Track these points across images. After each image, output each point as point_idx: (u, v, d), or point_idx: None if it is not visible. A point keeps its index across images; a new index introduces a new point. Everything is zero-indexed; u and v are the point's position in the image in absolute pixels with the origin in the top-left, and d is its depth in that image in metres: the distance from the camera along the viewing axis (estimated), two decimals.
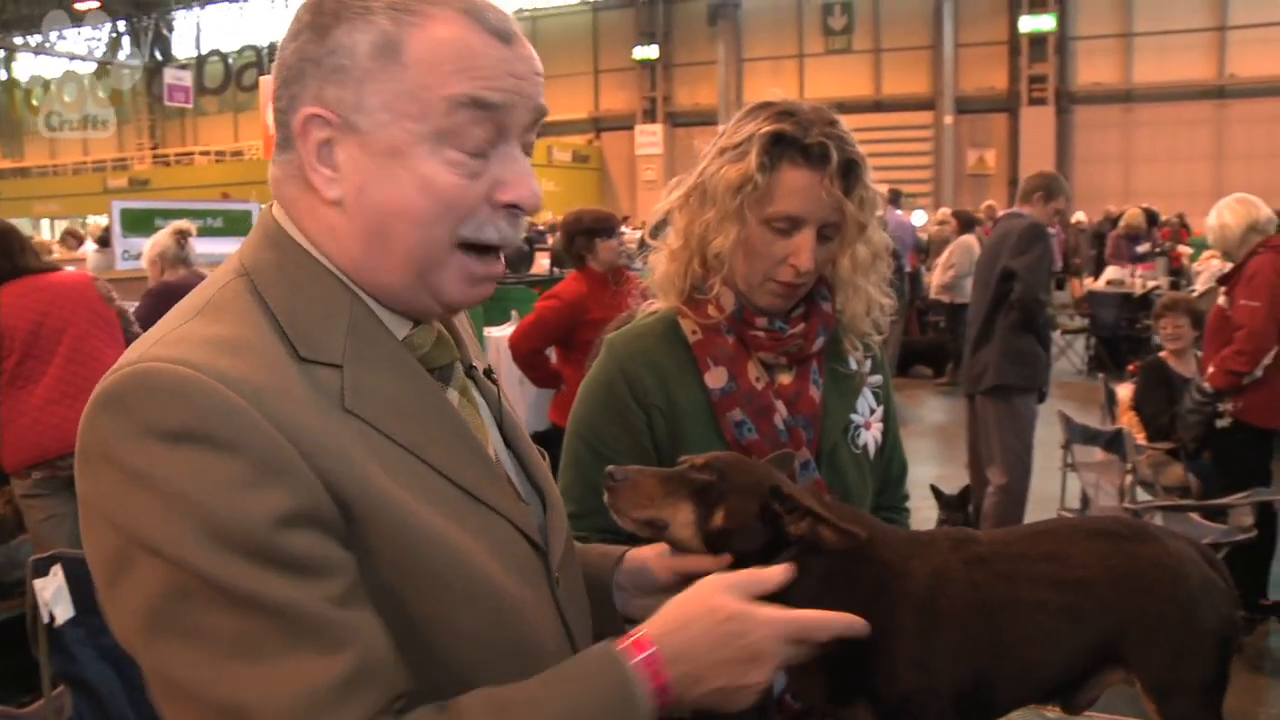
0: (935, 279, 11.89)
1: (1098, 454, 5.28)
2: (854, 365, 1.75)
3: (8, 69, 42.46)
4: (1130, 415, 5.78)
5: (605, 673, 1.00)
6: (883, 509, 1.82)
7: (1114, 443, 5.04)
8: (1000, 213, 15.24)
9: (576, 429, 1.71)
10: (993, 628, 1.26)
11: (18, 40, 39.10)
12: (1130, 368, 7.98)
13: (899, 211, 13.17)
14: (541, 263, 8.40)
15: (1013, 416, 5.56)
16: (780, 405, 1.65)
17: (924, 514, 5.52)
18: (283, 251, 1.06)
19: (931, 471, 7.15)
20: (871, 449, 1.76)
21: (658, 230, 1.76)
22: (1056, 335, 10.43)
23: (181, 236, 5.44)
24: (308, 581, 0.90)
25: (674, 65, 30.74)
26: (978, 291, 5.87)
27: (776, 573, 1.14)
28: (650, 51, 30.58)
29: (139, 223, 8.50)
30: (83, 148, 40.62)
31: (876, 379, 1.80)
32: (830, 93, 27.99)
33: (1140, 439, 5.45)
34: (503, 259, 1.10)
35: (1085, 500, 5.37)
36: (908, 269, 12.05)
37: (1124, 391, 6.07)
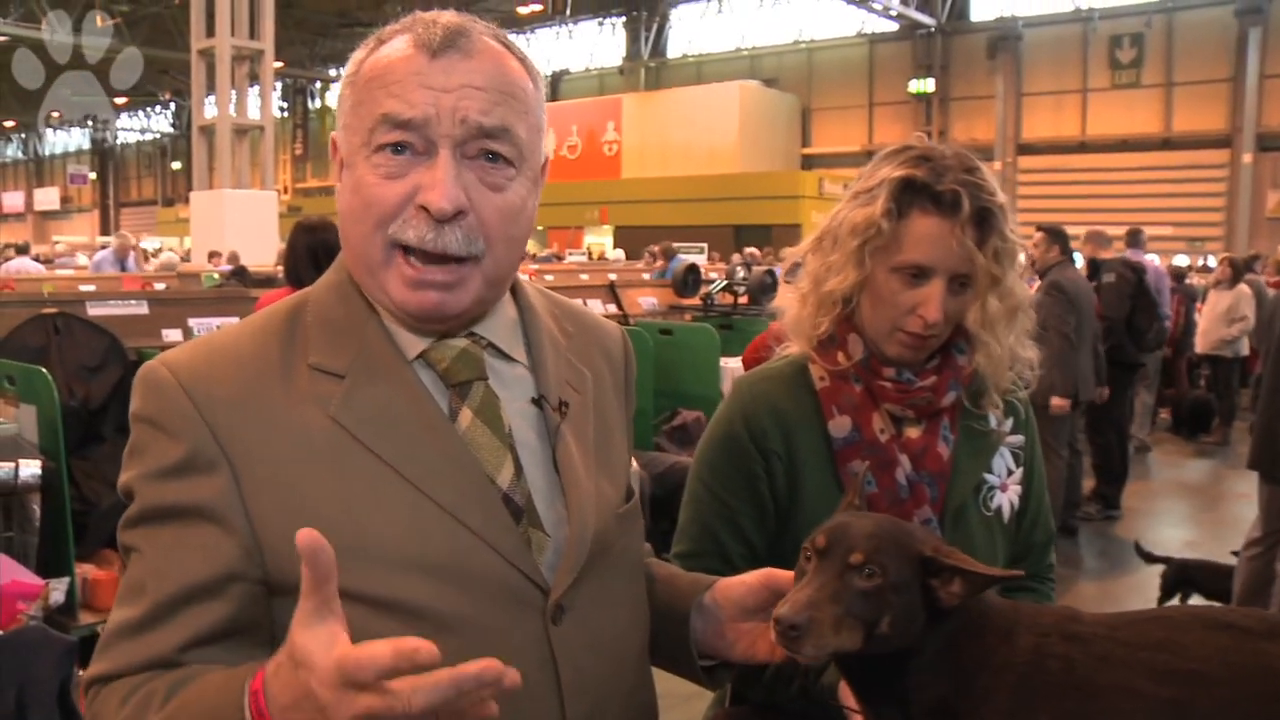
0: (1210, 332, 11.00)
1: None
2: (993, 423, 1.68)
3: (322, 98, 46.42)
4: None
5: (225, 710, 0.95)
6: (1024, 578, 1.72)
7: None
8: None
9: (697, 469, 1.71)
10: (1082, 713, 1.17)
11: (331, 72, 42.68)
12: None
13: (1178, 257, 12.26)
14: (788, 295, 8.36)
15: None
16: (904, 459, 1.59)
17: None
18: (337, 271, 1.21)
19: (1180, 535, 6.65)
20: (1006, 512, 1.67)
21: (792, 273, 1.74)
22: None
23: None
24: (178, 559, 1.06)
25: (951, 99, 30.07)
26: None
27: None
28: (927, 85, 30.06)
29: None
30: None
31: (1018, 439, 1.71)
32: (1115, 130, 26.63)
33: None
34: (478, 268, 1.12)
35: None
36: (1166, 319, 11.21)
37: None
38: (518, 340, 1.25)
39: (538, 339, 1.26)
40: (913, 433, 1.63)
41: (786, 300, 1.72)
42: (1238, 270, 11.01)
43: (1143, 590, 5.20)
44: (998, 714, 1.18)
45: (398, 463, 1.09)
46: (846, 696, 1.37)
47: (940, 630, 1.20)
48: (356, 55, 1.16)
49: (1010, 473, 1.69)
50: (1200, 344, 11.15)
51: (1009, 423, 1.70)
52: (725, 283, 8.08)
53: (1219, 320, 10.86)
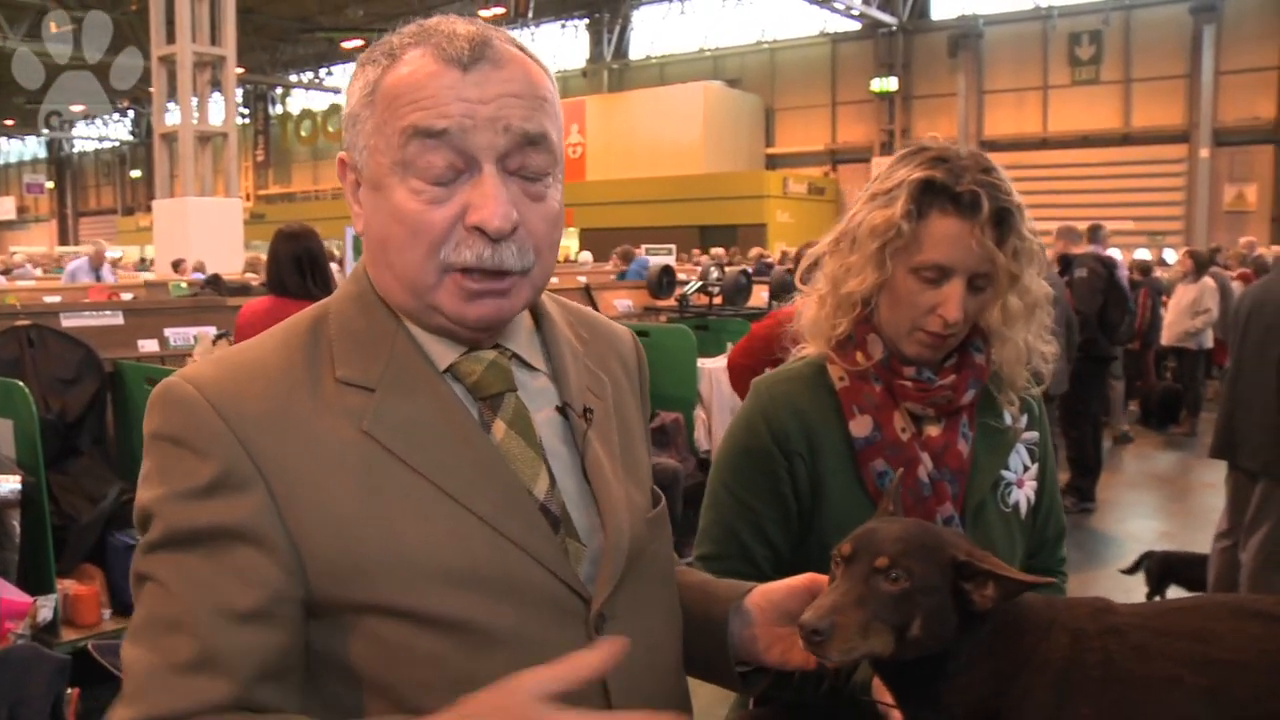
0: (1176, 324, 11.16)
1: None
2: (1008, 420, 1.69)
3: (283, 104, 46.11)
4: None
5: None
6: (1037, 572, 1.74)
7: None
8: (1260, 250, 14.24)
9: (718, 471, 1.71)
10: (1123, 704, 1.19)
11: (292, 78, 42.38)
12: None
13: (1139, 251, 12.43)
14: (761, 295, 8.43)
15: None
16: (926, 458, 1.61)
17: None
18: (358, 283, 1.18)
19: (1153, 526, 6.74)
20: (1023, 508, 1.69)
21: (808, 274, 1.75)
22: None
23: None
24: (215, 585, 1.01)
25: (913, 97, 30.28)
26: (1253, 351, 4.95)
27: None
28: (889, 83, 30.24)
29: None
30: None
31: (1033, 435, 1.72)
32: (1075, 126, 26.91)
33: None
34: (527, 279, 1.12)
35: None
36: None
37: None
38: (537, 349, 1.24)
39: (557, 347, 1.25)
40: (933, 431, 1.64)
41: (804, 302, 1.72)
42: (1200, 263, 11.17)
43: (1120, 582, 5.26)
44: (1040, 711, 1.19)
45: (435, 475, 1.07)
46: (881, 692, 1.38)
47: (977, 633, 1.21)
48: (368, 75, 1.11)
49: (1026, 469, 1.70)
50: (1166, 336, 11.31)
51: (1024, 419, 1.71)
52: (700, 284, 8.10)
53: (1183, 313, 11.04)
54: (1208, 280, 10.91)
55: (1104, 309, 7.37)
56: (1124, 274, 9.40)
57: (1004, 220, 1.54)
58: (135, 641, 1.02)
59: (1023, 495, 1.69)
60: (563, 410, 1.21)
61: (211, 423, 1.04)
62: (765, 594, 1.29)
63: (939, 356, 1.63)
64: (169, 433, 1.06)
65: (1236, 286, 11.04)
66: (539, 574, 1.09)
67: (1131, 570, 5.30)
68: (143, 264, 22.89)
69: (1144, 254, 16.08)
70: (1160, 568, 5.21)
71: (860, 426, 1.62)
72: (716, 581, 1.39)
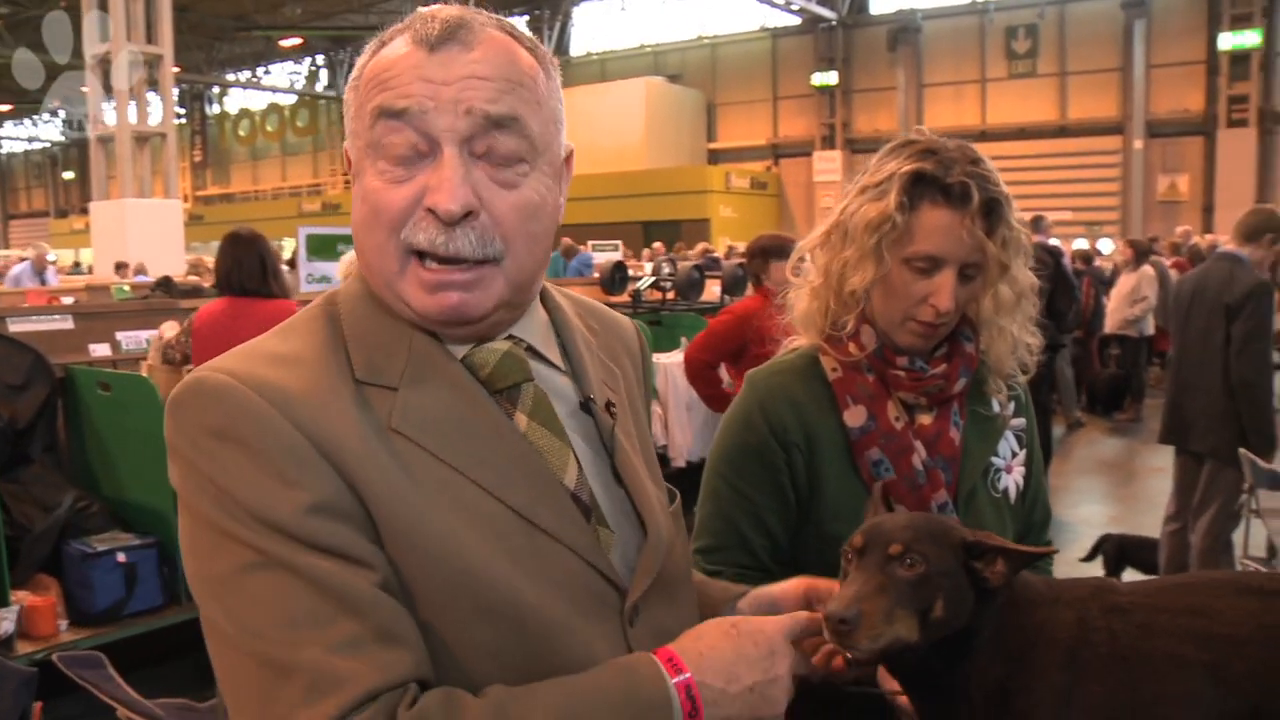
0: (1117, 312, 11.40)
1: None
2: (996, 407, 1.72)
3: (220, 103, 45.46)
4: None
5: (628, 678, 1.02)
6: None
7: None
8: (1195, 239, 14.58)
9: (715, 464, 1.72)
10: (1130, 682, 1.22)
11: (229, 76, 41.78)
12: None
13: (1078, 241, 12.66)
14: (713, 290, 8.47)
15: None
16: (919, 446, 1.63)
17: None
18: (362, 281, 1.15)
19: (1103, 511, 6.87)
20: (1013, 493, 1.72)
21: (798, 267, 1.77)
22: None
23: None
24: (349, 564, 0.97)
25: (853, 91, 30.48)
26: (1197, 338, 5.23)
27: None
28: (829, 78, 30.43)
29: (323, 247, 8.92)
30: (281, 175, 43.05)
31: (1020, 422, 1.76)
32: (1013, 118, 27.28)
33: None
34: (499, 269, 1.08)
35: (1272, 550, 5.05)
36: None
37: None
38: (552, 343, 1.22)
39: (572, 340, 1.24)
40: (925, 419, 1.66)
41: (796, 295, 1.74)
42: (1140, 252, 11.40)
43: (1073, 566, 5.36)
44: (1051, 690, 1.22)
45: (467, 468, 1.05)
46: (886, 680, 1.40)
47: (990, 608, 1.24)
48: (360, 60, 1.12)
49: (1014, 455, 1.74)
50: (1109, 324, 11.54)
51: (1011, 406, 1.75)
52: (653, 279, 8.12)
53: (1124, 301, 11.27)
54: (1146, 269, 11.15)
55: (1052, 298, 7.48)
56: (1068, 263, 9.58)
57: (993, 210, 1.57)
58: (273, 642, 0.95)
59: (1012, 481, 1.72)
60: (585, 405, 1.20)
61: (268, 415, 1.00)
62: (756, 599, 1.31)
63: (930, 346, 1.65)
64: (225, 428, 1.00)
65: (1174, 274, 11.29)
66: (575, 564, 1.09)
67: (1089, 557, 5.39)
68: (77, 268, 22.43)
69: (1082, 244, 16.39)
70: (1116, 551, 5.32)
71: (854, 416, 1.64)
72: (709, 582, 1.41)
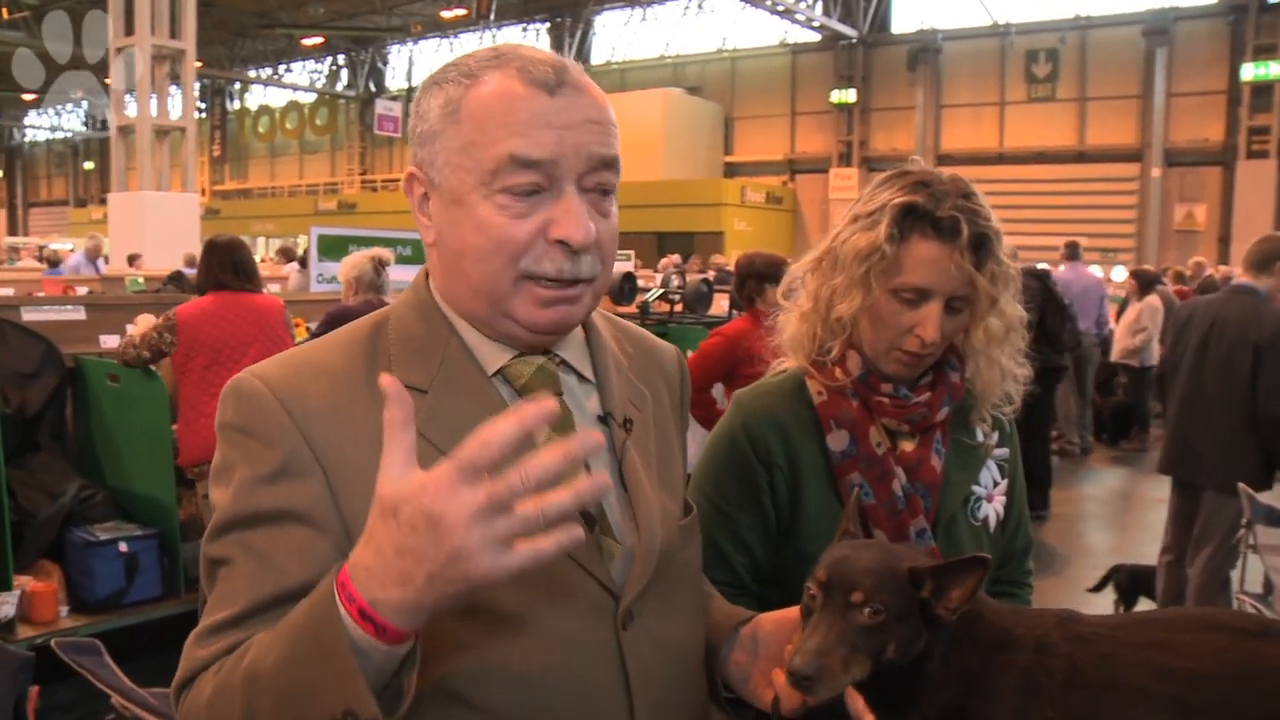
0: (1121, 341, 11.39)
1: None
2: (980, 436, 1.75)
3: (241, 99, 45.67)
4: None
5: (315, 613, 0.97)
6: (1004, 583, 1.81)
7: None
8: (1209, 270, 14.54)
9: (698, 482, 1.75)
10: (1091, 711, 1.24)
11: (250, 73, 41.97)
12: None
13: (1092, 268, 12.65)
14: (721, 304, 8.49)
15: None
16: (900, 472, 1.66)
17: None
18: (417, 292, 1.26)
19: (1107, 539, 6.87)
20: (993, 522, 1.75)
21: (790, 292, 1.80)
22: None
23: (379, 264, 5.70)
24: (274, 563, 1.08)
25: (871, 109, 30.53)
26: (1215, 371, 5.05)
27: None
28: (848, 95, 30.48)
29: (334, 248, 8.98)
30: (299, 172, 43.16)
31: (1003, 452, 1.79)
32: (1030, 142, 27.25)
33: None
34: (591, 287, 1.19)
35: (1269, 586, 5.05)
36: (1110, 328, 11.60)
37: None
38: (585, 359, 1.30)
39: (602, 358, 1.31)
40: (907, 446, 1.69)
41: (785, 318, 1.77)
42: (1144, 283, 11.40)
43: (1070, 593, 5.36)
44: (1007, 713, 1.25)
45: None
46: (854, 699, 1.43)
47: (944, 637, 1.27)
48: (447, 93, 1.16)
49: (996, 484, 1.76)
50: (1114, 353, 11.53)
51: (995, 435, 1.78)
52: (661, 291, 8.15)
53: (1126, 330, 11.26)
54: (1150, 299, 11.13)
55: (1042, 319, 7.44)
56: (1102, 288, 9.53)
57: (982, 245, 1.60)
58: (204, 616, 1.09)
59: (992, 510, 1.75)
60: (604, 419, 1.28)
61: (277, 414, 1.12)
62: (755, 628, 1.37)
63: (915, 374, 1.68)
64: (239, 423, 1.14)
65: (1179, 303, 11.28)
66: (572, 570, 1.16)
67: (1099, 587, 5.36)
68: None
69: (1097, 270, 16.36)
70: (1129, 581, 5.30)
71: (837, 440, 1.67)
72: (719, 604, 1.46)
